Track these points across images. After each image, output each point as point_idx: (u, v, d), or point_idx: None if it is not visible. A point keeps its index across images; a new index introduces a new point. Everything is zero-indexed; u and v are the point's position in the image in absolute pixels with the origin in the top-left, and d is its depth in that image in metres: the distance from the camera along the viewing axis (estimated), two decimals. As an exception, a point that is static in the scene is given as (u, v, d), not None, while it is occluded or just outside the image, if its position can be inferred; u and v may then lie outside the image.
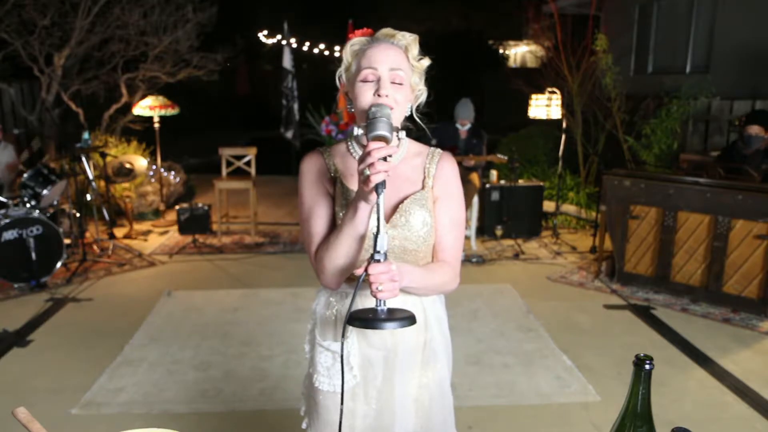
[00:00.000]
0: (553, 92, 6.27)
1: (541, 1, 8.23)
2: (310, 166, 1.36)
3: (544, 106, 6.27)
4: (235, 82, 19.07)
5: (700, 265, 4.16)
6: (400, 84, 1.26)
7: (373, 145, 1.10)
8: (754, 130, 4.29)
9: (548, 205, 6.41)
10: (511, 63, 21.54)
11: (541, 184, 6.10)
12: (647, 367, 0.91)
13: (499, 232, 5.86)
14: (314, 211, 1.33)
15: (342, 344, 1.19)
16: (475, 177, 5.60)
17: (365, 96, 1.25)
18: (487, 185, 5.85)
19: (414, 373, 1.38)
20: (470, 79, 16.19)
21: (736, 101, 6.11)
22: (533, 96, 6.38)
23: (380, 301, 1.13)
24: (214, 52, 7.61)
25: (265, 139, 10.12)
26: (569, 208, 6.58)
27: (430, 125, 1.39)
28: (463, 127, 5.57)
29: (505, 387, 3.09)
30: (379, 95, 1.23)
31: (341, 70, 1.33)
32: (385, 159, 1.08)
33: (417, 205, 1.31)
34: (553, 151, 6.97)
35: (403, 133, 1.21)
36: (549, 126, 7.73)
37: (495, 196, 5.85)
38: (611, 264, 4.70)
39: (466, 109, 5.55)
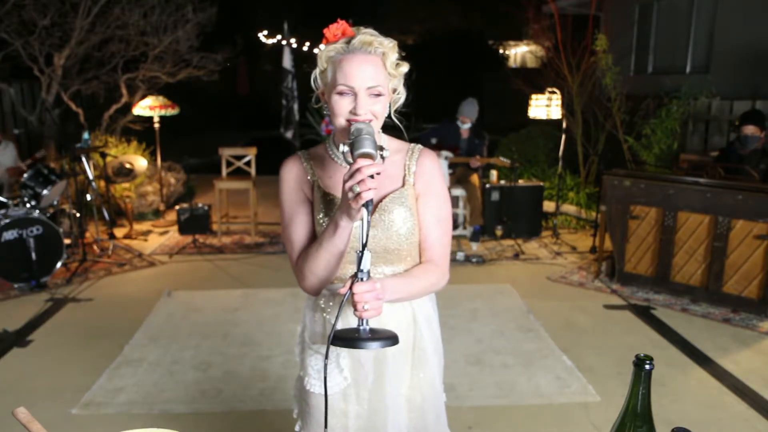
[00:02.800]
0: (553, 92, 6.27)
1: (541, 1, 8.22)
2: (289, 173, 1.36)
3: (544, 106, 6.27)
4: (235, 82, 19.08)
5: (700, 265, 4.16)
6: (378, 95, 1.24)
7: (361, 161, 1.09)
8: (750, 130, 4.30)
9: (548, 205, 6.41)
10: (511, 63, 21.54)
11: (541, 184, 6.10)
12: (647, 367, 0.91)
13: (499, 232, 5.86)
14: (294, 218, 1.34)
15: (325, 365, 1.18)
16: (475, 177, 5.61)
17: (341, 109, 1.23)
18: (487, 185, 5.85)
19: (405, 373, 1.38)
20: (470, 79, 16.19)
21: (736, 101, 6.11)
22: (533, 96, 6.38)
23: (363, 320, 1.13)
24: (214, 52, 7.61)
25: (265, 139, 10.12)
26: (569, 208, 6.58)
27: (414, 126, 1.38)
28: (464, 125, 5.56)
29: (505, 387, 3.09)
30: (356, 114, 1.21)
31: (316, 73, 1.30)
32: (371, 176, 1.08)
33: (397, 203, 1.31)
34: (553, 151, 6.97)
35: (386, 152, 1.19)
36: (549, 126, 7.73)
37: (495, 196, 5.85)
38: (611, 264, 4.70)
39: (470, 107, 5.55)
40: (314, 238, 1.32)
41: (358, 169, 1.08)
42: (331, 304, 1.36)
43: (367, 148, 1.11)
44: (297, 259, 1.32)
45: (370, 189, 1.07)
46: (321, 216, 1.32)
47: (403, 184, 1.33)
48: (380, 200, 1.30)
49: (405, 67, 1.30)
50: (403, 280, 1.30)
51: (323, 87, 1.29)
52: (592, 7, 7.28)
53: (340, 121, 1.24)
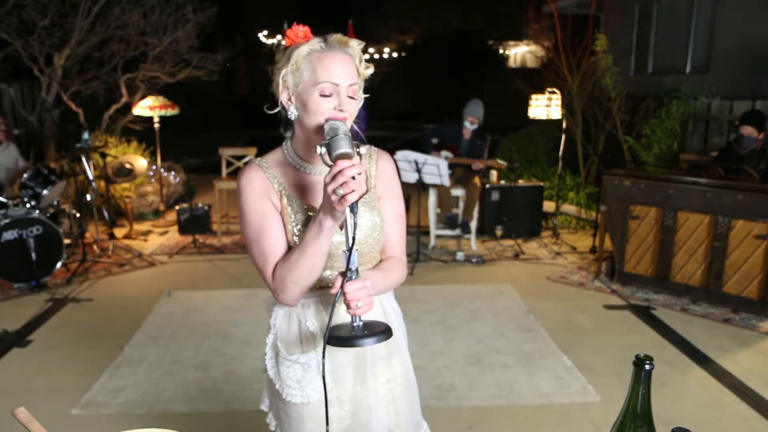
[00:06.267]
0: (553, 92, 6.27)
1: (541, 1, 8.23)
2: (252, 182, 1.29)
3: (544, 106, 6.27)
4: (235, 82, 19.07)
5: (700, 265, 4.16)
6: (354, 97, 1.25)
7: (342, 163, 1.08)
8: (747, 130, 4.33)
9: (548, 205, 6.41)
10: (511, 63, 21.55)
11: (541, 184, 6.10)
12: (647, 367, 0.91)
13: (499, 232, 5.86)
14: (265, 229, 1.28)
15: (323, 364, 1.18)
16: (476, 179, 5.60)
17: (323, 109, 1.21)
18: (487, 185, 5.85)
19: (381, 368, 1.39)
20: (470, 79, 16.18)
21: (736, 101, 6.11)
22: (533, 96, 6.38)
23: (356, 317, 1.13)
24: (214, 52, 7.61)
25: (265, 139, 10.12)
26: (569, 208, 6.58)
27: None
28: (472, 125, 5.56)
29: (505, 387, 3.09)
30: (341, 110, 1.21)
31: (287, 72, 1.24)
32: (353, 177, 1.08)
33: (367, 207, 1.32)
34: (553, 151, 6.97)
35: (363, 149, 1.17)
36: (549, 126, 7.73)
37: (495, 196, 5.85)
38: (611, 264, 4.70)
39: (478, 107, 5.56)
40: (289, 248, 1.28)
41: (339, 172, 1.07)
42: (309, 310, 1.34)
43: (346, 149, 1.10)
44: (274, 271, 1.26)
45: (353, 191, 1.07)
46: (293, 226, 1.29)
47: (368, 188, 1.33)
48: None
49: (370, 69, 1.31)
50: (381, 274, 1.32)
51: (294, 87, 1.25)
52: (592, 7, 7.28)
53: (319, 119, 1.22)
